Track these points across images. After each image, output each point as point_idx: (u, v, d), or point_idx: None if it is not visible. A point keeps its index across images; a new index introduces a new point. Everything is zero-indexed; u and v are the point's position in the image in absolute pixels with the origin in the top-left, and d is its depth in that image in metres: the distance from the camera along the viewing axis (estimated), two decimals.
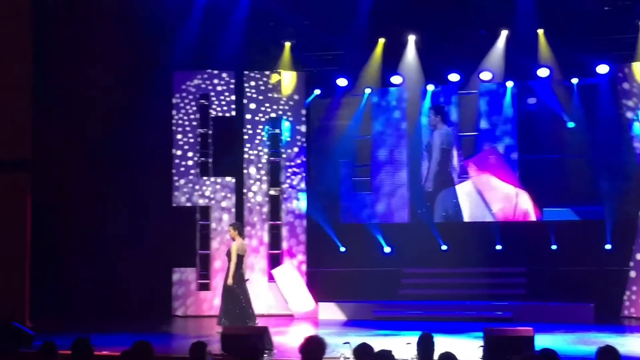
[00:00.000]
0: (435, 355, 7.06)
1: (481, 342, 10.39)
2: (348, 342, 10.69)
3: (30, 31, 14.48)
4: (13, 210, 14.27)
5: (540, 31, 15.86)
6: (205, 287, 16.36)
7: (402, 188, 16.93)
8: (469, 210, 16.68)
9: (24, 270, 14.22)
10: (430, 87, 16.80)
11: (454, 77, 16.50)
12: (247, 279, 13.69)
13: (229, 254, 13.31)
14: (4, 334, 11.20)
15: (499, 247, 16.41)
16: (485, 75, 16.34)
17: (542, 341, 10.45)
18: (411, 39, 16.50)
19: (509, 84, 16.40)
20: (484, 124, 16.67)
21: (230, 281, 13.12)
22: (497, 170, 16.56)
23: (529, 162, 16.43)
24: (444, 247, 16.51)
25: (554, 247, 16.11)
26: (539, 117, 16.52)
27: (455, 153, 16.79)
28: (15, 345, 10.57)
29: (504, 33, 16.07)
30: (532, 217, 16.29)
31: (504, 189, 16.50)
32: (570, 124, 16.16)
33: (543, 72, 15.96)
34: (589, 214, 16.03)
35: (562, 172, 16.23)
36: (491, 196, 16.57)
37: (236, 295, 13.14)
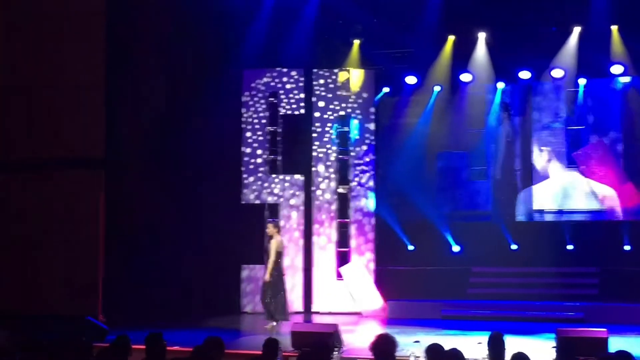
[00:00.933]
0: (507, 356, 6.98)
1: (553, 343, 10.25)
2: (418, 341, 10.71)
3: (104, 31, 14.72)
4: (87, 208, 14.53)
5: (614, 27, 15.58)
6: None
7: (479, 185, 16.84)
8: (574, 200, 16.42)
9: (97, 266, 14.47)
10: (500, 85, 16.64)
11: (524, 75, 16.32)
12: (284, 274, 13.92)
13: (268, 251, 13.54)
14: (79, 329, 11.43)
15: (570, 246, 16.18)
16: (557, 73, 16.11)
17: (616, 343, 10.25)
18: (481, 36, 16.36)
19: (582, 81, 16.15)
20: (589, 118, 16.44)
21: (267, 277, 13.38)
22: (603, 162, 16.27)
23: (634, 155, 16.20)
24: (514, 247, 16.33)
25: (627, 247, 15.82)
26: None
27: (536, 149, 16.58)
28: (89, 339, 10.76)
29: (577, 30, 15.82)
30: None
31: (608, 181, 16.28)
32: None
33: (616, 69, 15.69)
34: None
35: None
36: (597, 187, 16.31)
37: (277, 291, 13.39)
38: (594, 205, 16.34)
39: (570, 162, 16.44)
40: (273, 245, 13.47)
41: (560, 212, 16.49)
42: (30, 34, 14.85)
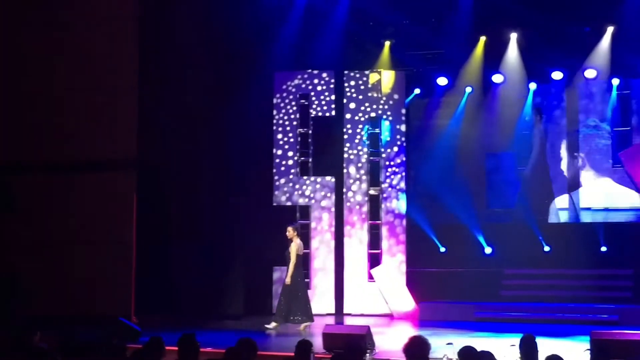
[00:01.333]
0: (540, 358, 6.93)
1: (587, 346, 10.17)
2: (451, 343, 10.66)
3: (137, 34, 14.83)
4: (120, 209, 14.64)
5: None
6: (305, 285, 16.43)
7: (511, 186, 16.79)
8: (615, 199, 16.30)
9: (130, 267, 14.57)
10: (533, 86, 16.55)
11: (557, 75, 16.21)
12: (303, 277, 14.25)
13: (288, 255, 13.74)
14: (112, 330, 11.51)
15: (604, 248, 16.04)
16: (590, 73, 15.99)
17: None
18: (513, 36, 16.26)
19: (615, 82, 16.01)
20: (633, 119, 16.28)
21: (288, 280, 13.68)
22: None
23: None
24: (546, 249, 16.23)
25: None
26: None
27: (568, 150, 16.48)
28: (122, 340, 10.82)
29: (610, 29, 15.68)
30: None
31: None
32: None
33: None
34: None
35: None
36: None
37: (295, 294, 13.69)
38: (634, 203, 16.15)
39: (608, 164, 16.26)
40: (293, 249, 13.76)
41: (606, 209, 16.29)
42: (65, 38, 15.00)
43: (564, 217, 16.54)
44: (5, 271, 14.46)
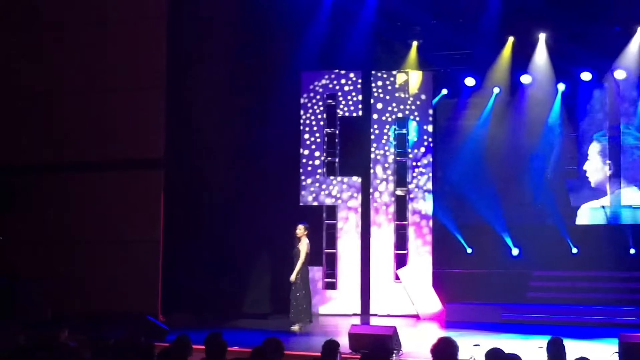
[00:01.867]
0: None
1: (615, 349, 10.08)
2: (478, 344, 10.61)
3: (165, 33, 14.90)
4: (147, 207, 14.73)
5: None
6: (331, 285, 16.46)
7: (539, 188, 16.73)
8: None
9: (158, 266, 14.65)
10: (561, 87, 16.45)
11: (586, 76, 16.09)
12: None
13: (297, 253, 13.79)
14: (139, 328, 11.56)
15: (632, 250, 15.91)
16: (620, 74, 15.86)
17: None
18: (541, 37, 16.17)
19: None
20: None
21: (293, 278, 13.72)
22: None
23: None
24: (574, 250, 16.12)
25: None
26: None
27: (596, 151, 16.37)
28: (150, 339, 10.87)
29: None
30: None
31: None
32: None
33: None
34: None
35: None
36: None
37: (295, 293, 13.73)
38: None
39: (636, 165, 16.15)
40: (303, 248, 13.79)
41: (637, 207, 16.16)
42: (96, 37, 15.12)
43: (592, 218, 16.41)
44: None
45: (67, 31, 15.24)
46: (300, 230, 13.95)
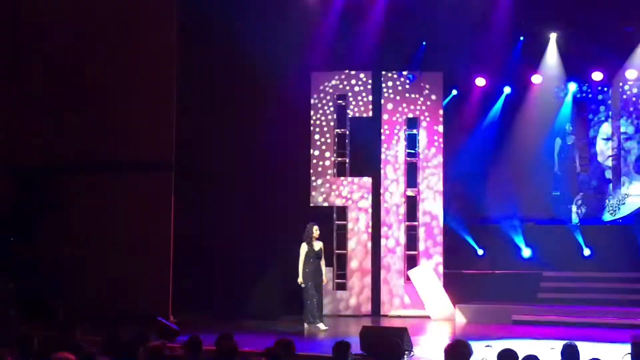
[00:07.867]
0: None
1: (627, 350, 10.03)
2: (490, 345, 10.58)
3: (175, 35, 14.91)
4: (157, 209, 14.75)
5: None
6: (342, 286, 16.43)
7: (549, 188, 16.68)
8: None
9: (168, 267, 14.67)
10: (572, 87, 16.41)
11: (597, 76, 16.05)
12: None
13: (321, 253, 14.19)
14: (150, 329, 11.56)
15: None
16: (631, 74, 15.81)
17: None
18: (552, 36, 16.14)
19: None
20: None
21: (325, 280, 14.39)
22: None
23: None
24: (586, 252, 16.07)
25: None
26: None
27: (607, 151, 16.33)
28: (161, 339, 10.89)
29: None
30: None
31: None
32: None
33: None
34: None
35: None
36: None
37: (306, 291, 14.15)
38: None
39: None
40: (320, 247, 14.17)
41: None
42: (106, 39, 15.13)
43: (604, 219, 16.35)
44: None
45: (80, 33, 15.27)
46: (318, 231, 14.32)
